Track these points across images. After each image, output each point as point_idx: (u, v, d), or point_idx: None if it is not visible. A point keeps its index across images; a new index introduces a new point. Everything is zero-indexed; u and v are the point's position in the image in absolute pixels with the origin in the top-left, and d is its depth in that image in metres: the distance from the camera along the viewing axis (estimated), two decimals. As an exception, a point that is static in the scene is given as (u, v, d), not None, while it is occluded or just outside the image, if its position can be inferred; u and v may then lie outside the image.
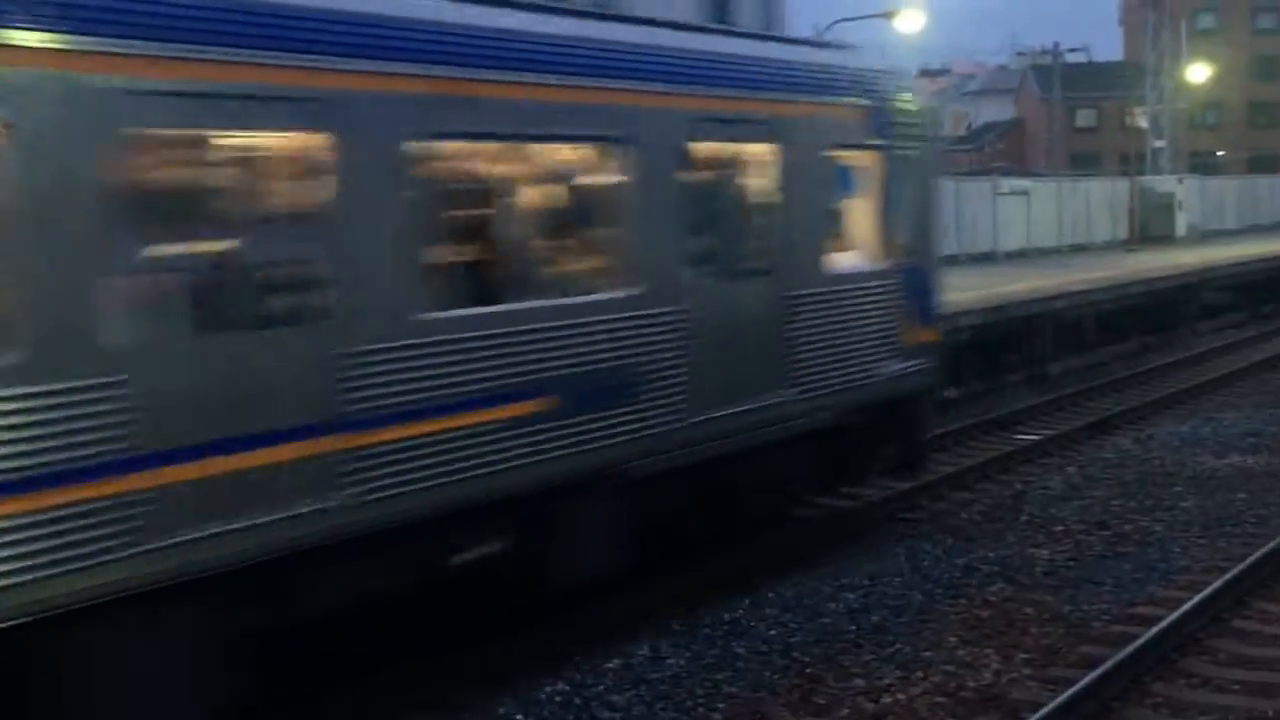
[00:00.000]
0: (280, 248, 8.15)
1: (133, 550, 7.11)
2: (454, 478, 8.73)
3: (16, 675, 7.00)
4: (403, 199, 8.51)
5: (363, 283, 8.25)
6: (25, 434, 6.74)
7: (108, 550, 7.01)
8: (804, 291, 11.57)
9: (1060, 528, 13.87)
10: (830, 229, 12.15)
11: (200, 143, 7.76)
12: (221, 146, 7.84)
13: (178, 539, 7.30)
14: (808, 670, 10.12)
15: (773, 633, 10.88)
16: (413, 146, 8.60)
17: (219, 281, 7.79)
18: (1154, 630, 10.23)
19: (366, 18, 8.42)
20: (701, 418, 10.61)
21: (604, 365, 9.79)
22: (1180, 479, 15.94)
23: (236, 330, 7.73)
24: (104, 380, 7.02)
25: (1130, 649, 9.85)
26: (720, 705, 9.52)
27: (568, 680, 9.87)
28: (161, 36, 7.32)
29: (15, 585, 6.68)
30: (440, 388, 8.63)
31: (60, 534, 6.83)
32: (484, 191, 9.59)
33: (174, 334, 7.51)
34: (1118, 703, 9.34)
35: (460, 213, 9.39)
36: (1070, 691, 9.11)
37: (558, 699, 9.59)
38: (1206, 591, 11.13)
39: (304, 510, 7.87)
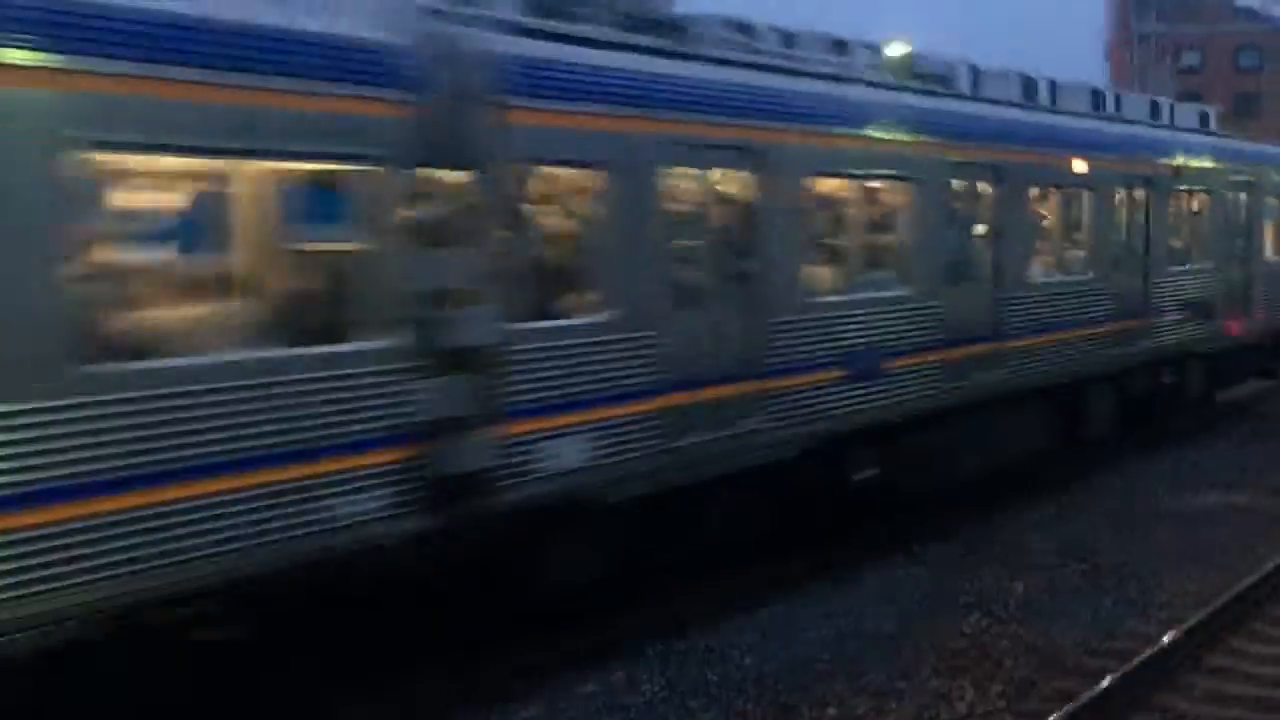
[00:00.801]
0: None
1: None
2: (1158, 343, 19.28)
3: None
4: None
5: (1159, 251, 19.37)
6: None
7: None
8: (1257, 270, 22.48)
9: (1036, 560, 13.87)
10: (1266, 237, 23.15)
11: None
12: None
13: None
14: (781, 699, 10.09)
15: (747, 661, 10.84)
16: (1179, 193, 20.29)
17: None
18: (1129, 665, 10.23)
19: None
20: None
21: (1200, 297, 20.41)
22: (1158, 513, 15.96)
23: None
24: None
25: (1105, 684, 9.84)
26: (694, 733, 9.49)
27: (545, 705, 9.84)
28: None
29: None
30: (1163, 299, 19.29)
31: None
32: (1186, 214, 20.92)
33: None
34: (1092, 737, 9.33)
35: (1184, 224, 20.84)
36: (1045, 725, 9.09)
37: (532, 723, 9.55)
38: (1183, 628, 11.13)
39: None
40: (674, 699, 10.07)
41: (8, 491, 6.99)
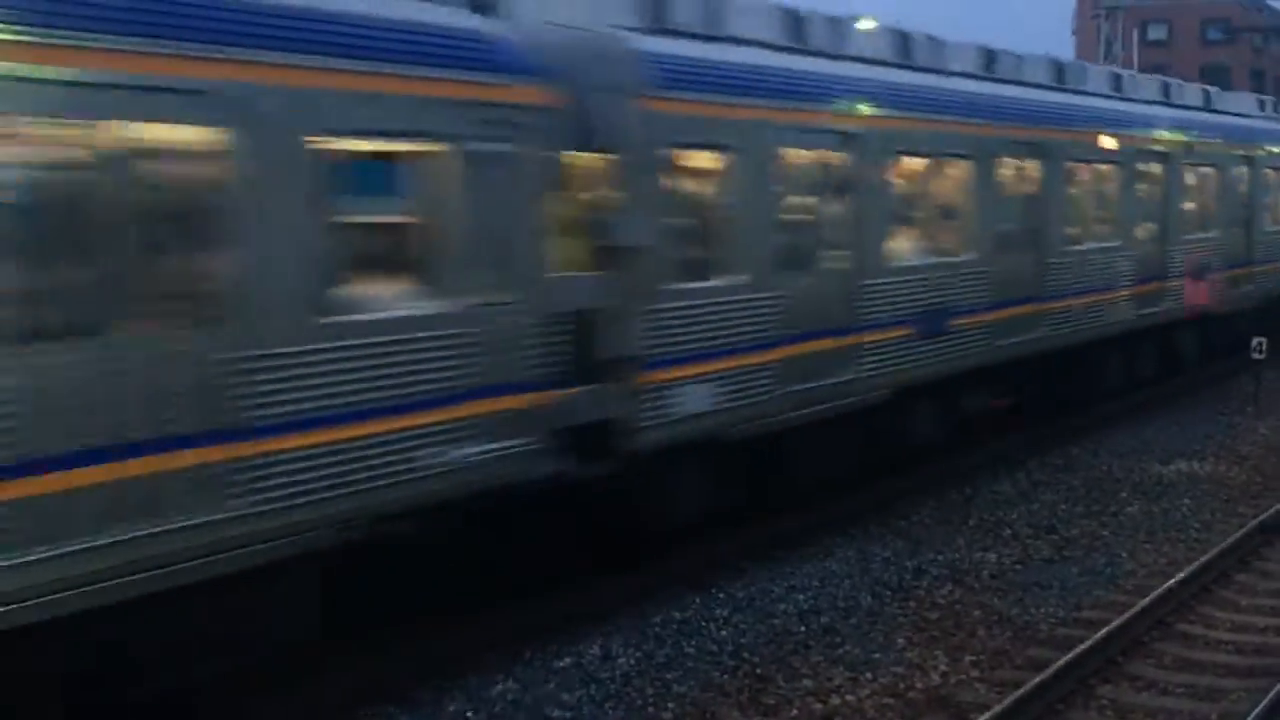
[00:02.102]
0: None
1: None
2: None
3: None
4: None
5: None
6: None
7: None
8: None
9: (1009, 531, 13.98)
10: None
11: None
12: None
13: None
14: (757, 670, 10.15)
15: (723, 633, 10.91)
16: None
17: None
18: (1100, 634, 10.34)
19: None
20: None
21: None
22: (1126, 485, 16.10)
23: None
24: None
25: (1076, 652, 9.95)
26: (670, 705, 9.54)
27: (518, 678, 9.87)
28: None
29: None
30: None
31: None
32: None
33: None
34: (1064, 705, 9.43)
35: None
36: (1017, 694, 9.18)
37: (509, 697, 9.58)
38: (1152, 596, 11.26)
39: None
40: (649, 671, 10.11)
41: None
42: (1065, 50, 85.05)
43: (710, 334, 11.72)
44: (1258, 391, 21.27)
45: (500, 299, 9.70)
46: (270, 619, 8.65)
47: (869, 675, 10.05)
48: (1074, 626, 11.03)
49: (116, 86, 7.46)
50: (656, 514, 11.72)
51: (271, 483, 8.23)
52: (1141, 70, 36.38)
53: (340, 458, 8.63)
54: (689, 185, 11.95)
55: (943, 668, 10.20)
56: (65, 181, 7.39)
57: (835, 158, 13.47)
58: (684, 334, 11.46)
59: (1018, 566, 12.79)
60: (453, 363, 9.38)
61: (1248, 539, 13.25)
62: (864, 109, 13.81)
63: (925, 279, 14.83)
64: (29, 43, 7.06)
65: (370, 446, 8.80)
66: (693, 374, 11.50)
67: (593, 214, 10.85)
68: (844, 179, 13.59)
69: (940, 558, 13.00)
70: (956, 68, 16.60)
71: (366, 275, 9.10)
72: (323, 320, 8.56)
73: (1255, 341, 21.00)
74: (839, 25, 14.71)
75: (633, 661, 10.28)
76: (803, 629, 11.03)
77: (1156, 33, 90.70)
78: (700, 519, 12.17)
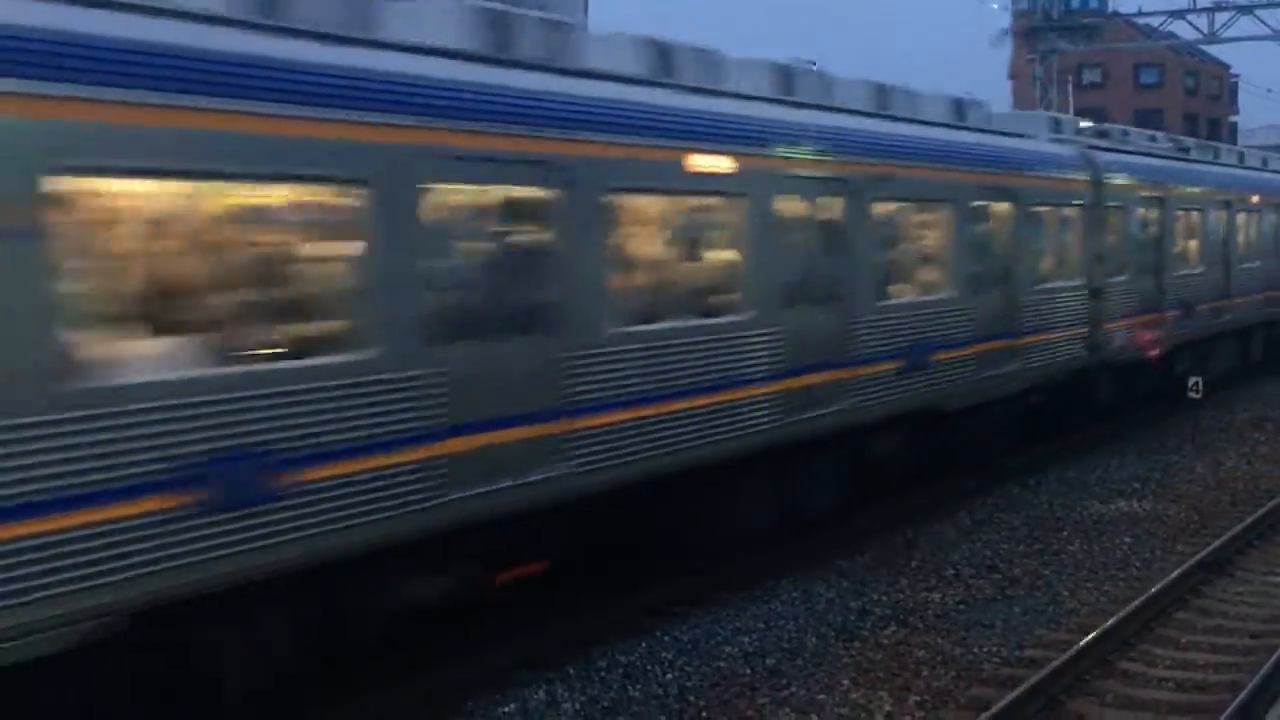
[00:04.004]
0: None
1: None
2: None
3: None
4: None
5: None
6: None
7: None
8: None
9: (951, 571, 14.05)
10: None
11: None
12: None
13: None
14: (703, 714, 10.13)
15: (668, 676, 10.88)
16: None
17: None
18: (1043, 672, 10.40)
19: None
20: None
21: None
22: (1068, 524, 16.23)
23: None
24: None
25: (1019, 691, 10.00)
26: (616, 749, 9.50)
27: (462, 725, 9.80)
28: None
29: None
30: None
31: None
32: None
33: None
34: (1008, 744, 9.47)
35: None
36: (961, 734, 9.22)
37: (452, 744, 9.51)
38: (1093, 634, 11.34)
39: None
40: (595, 717, 10.07)
41: None
42: (1003, 95, 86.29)
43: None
44: (1194, 431, 21.52)
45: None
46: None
47: (814, 717, 10.06)
48: (1017, 665, 11.08)
49: (497, 160, 10.04)
50: None
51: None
52: (1077, 113, 36.94)
53: None
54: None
55: (887, 708, 10.22)
56: (464, 231, 9.97)
57: None
58: None
59: (961, 606, 12.85)
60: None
61: (1187, 577, 13.39)
62: None
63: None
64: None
65: None
66: None
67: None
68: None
69: (884, 598, 13.04)
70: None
71: None
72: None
73: (1191, 381, 21.25)
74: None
75: (578, 707, 10.23)
76: (748, 671, 11.02)
77: (1091, 76, 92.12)
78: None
